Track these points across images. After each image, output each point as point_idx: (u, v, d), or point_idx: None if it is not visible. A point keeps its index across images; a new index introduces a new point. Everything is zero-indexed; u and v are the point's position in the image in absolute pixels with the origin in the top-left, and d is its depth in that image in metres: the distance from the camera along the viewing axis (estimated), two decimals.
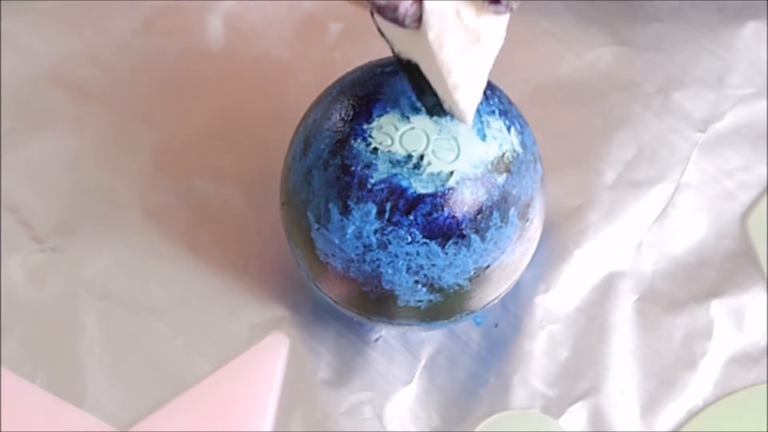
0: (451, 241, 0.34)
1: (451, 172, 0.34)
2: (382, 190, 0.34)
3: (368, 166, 0.34)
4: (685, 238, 0.43)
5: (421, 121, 0.35)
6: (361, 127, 0.35)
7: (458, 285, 0.36)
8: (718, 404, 0.41)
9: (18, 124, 0.45)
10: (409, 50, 0.33)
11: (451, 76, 0.31)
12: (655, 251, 0.43)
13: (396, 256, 0.35)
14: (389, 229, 0.34)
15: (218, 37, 0.46)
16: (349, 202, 0.35)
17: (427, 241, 0.34)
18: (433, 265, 0.35)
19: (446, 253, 0.35)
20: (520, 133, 0.36)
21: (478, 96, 0.32)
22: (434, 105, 0.34)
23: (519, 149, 0.36)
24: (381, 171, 0.34)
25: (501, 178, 0.35)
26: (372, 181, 0.34)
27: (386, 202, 0.34)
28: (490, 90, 0.36)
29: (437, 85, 0.33)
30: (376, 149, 0.34)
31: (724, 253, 0.43)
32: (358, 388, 0.41)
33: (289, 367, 0.41)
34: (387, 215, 0.34)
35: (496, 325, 0.42)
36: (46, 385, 0.41)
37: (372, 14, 0.33)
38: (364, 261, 0.35)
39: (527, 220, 0.36)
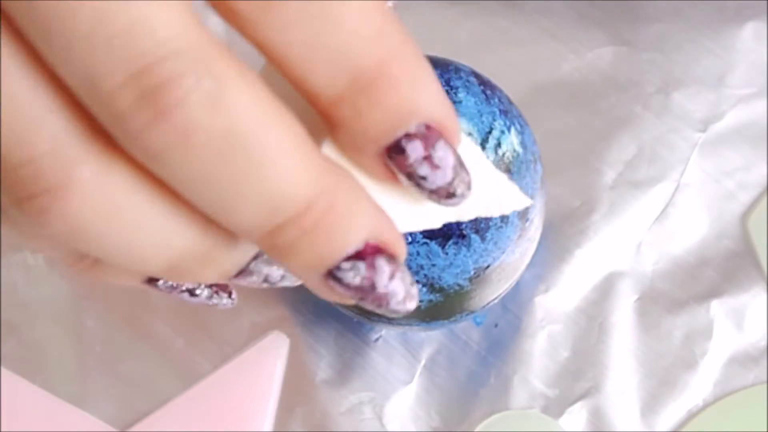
0: (451, 241, 0.34)
1: None
2: None
3: None
4: (685, 238, 0.43)
5: None
6: None
7: (458, 285, 0.35)
8: (718, 404, 0.41)
9: None
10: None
11: None
12: (655, 251, 0.43)
13: None
14: None
15: (218, 37, 0.46)
16: None
17: (427, 241, 0.34)
18: (433, 265, 0.35)
19: (446, 253, 0.35)
20: (520, 133, 0.36)
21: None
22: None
23: (519, 149, 0.36)
24: None
25: None
26: None
27: None
28: (490, 90, 0.36)
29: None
30: None
31: (724, 253, 0.43)
32: (358, 388, 0.41)
33: (289, 367, 0.41)
34: None
35: (496, 325, 0.42)
36: (46, 385, 0.41)
37: None
38: None
39: (527, 220, 0.36)
